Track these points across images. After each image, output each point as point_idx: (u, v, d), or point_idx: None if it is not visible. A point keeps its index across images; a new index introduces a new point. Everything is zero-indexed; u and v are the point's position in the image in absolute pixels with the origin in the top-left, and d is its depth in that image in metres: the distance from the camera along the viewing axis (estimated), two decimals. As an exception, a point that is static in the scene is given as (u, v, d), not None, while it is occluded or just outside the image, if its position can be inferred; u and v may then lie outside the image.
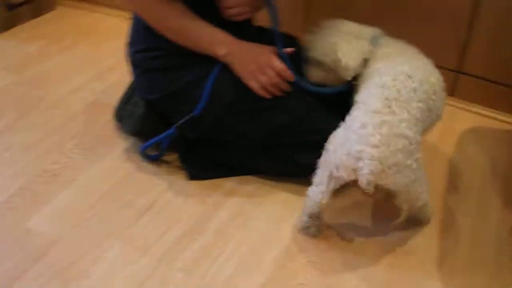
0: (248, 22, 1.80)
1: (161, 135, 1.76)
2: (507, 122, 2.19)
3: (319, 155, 1.69)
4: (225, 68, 1.67)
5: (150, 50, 1.72)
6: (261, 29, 1.88)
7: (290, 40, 1.90)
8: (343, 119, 1.49)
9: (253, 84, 1.66)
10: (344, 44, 1.59)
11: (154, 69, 1.73)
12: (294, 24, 2.27)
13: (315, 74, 1.68)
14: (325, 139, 1.67)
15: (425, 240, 1.63)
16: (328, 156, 1.46)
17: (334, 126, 1.68)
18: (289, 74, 1.66)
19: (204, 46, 1.66)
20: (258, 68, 1.65)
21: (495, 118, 2.20)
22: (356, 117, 1.41)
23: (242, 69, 1.66)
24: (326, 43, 1.62)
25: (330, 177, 1.45)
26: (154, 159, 1.84)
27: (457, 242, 1.64)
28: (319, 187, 1.49)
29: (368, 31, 1.64)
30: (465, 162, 1.96)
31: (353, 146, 1.36)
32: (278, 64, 1.65)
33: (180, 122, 1.71)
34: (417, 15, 2.16)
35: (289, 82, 1.68)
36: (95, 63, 2.40)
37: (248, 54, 1.66)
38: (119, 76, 2.26)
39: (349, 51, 1.59)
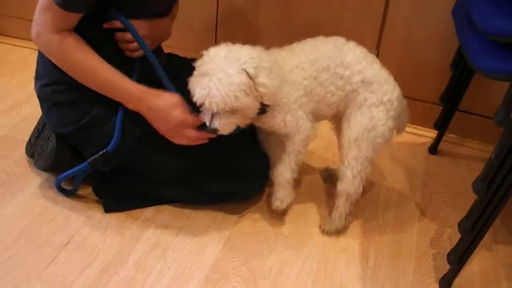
0: (158, 49, 1.84)
1: (74, 169, 1.75)
2: (419, 135, 2.32)
3: (231, 182, 1.74)
4: None
5: (58, 83, 1.72)
6: (170, 56, 1.94)
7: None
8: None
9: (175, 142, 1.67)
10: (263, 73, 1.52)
11: (63, 103, 1.74)
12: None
13: (229, 123, 1.56)
14: (235, 166, 1.73)
15: (346, 259, 1.71)
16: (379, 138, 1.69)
17: (246, 154, 1.74)
18: (204, 137, 1.63)
19: (111, 96, 1.65)
20: (172, 135, 1.65)
21: (408, 132, 2.30)
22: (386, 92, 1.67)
23: (158, 128, 1.66)
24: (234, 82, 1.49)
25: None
26: (70, 194, 1.84)
27: (378, 256, 1.73)
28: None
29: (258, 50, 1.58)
30: (382, 176, 2.08)
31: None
32: (192, 135, 1.62)
33: (92, 157, 1.71)
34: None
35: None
36: (5, 96, 2.36)
37: (158, 119, 1.64)
38: (30, 109, 2.24)
39: (270, 78, 1.54)
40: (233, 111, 1.52)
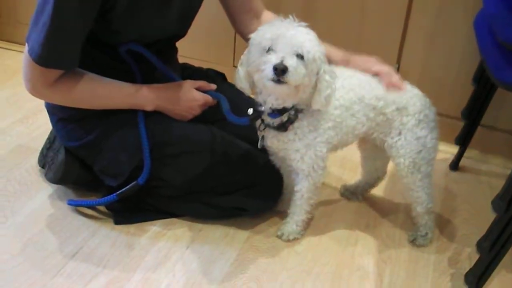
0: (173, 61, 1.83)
1: (101, 200, 1.72)
2: (440, 151, 2.22)
3: (240, 195, 1.69)
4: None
5: None
6: (185, 66, 1.94)
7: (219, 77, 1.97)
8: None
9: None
10: None
11: (69, 119, 1.72)
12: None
13: (299, 69, 1.40)
14: (247, 181, 1.68)
15: (360, 278, 1.66)
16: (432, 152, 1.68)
17: (258, 169, 1.69)
18: (210, 101, 1.72)
19: (128, 107, 1.66)
20: (186, 111, 1.70)
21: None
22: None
23: (173, 115, 1.71)
24: None
25: None
26: (80, 205, 1.81)
27: (393, 275, 1.68)
28: None
29: None
30: (401, 194, 2.02)
31: None
32: (200, 98, 1.69)
33: (122, 190, 1.68)
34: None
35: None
36: (21, 105, 2.36)
37: (175, 103, 1.69)
38: (45, 119, 2.20)
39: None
40: (304, 64, 1.40)
